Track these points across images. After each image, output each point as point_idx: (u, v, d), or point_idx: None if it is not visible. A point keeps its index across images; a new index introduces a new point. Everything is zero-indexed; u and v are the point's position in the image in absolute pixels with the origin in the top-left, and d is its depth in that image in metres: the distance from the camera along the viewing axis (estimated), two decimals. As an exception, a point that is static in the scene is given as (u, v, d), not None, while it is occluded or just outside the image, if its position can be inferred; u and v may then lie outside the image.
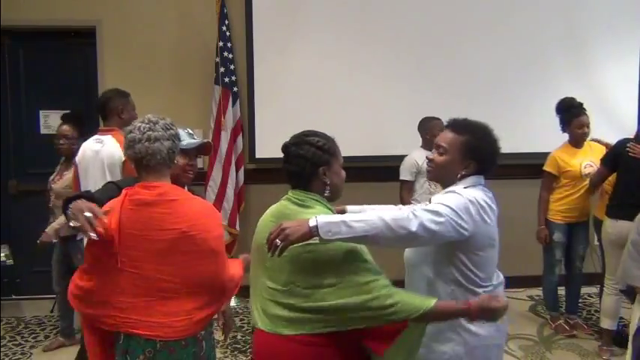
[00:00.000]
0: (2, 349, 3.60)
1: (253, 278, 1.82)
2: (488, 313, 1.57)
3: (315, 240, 1.53)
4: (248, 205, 4.44)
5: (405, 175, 3.76)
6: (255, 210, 4.44)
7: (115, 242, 1.74)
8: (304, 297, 1.61)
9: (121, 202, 1.79)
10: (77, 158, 3.06)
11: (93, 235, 1.69)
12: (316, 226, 1.50)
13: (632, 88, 4.61)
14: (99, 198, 1.85)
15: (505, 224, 3.93)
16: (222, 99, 4.20)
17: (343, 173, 1.80)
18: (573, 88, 4.32)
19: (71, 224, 1.74)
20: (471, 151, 1.81)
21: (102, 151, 2.87)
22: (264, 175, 4.41)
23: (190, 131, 2.14)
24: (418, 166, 3.67)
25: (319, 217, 1.53)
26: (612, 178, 3.46)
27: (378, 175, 4.24)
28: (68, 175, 3.46)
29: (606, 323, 3.42)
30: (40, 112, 4.40)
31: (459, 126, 1.85)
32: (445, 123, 1.94)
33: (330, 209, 1.73)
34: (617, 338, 3.43)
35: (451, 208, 1.63)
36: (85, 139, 3.07)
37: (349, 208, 2.03)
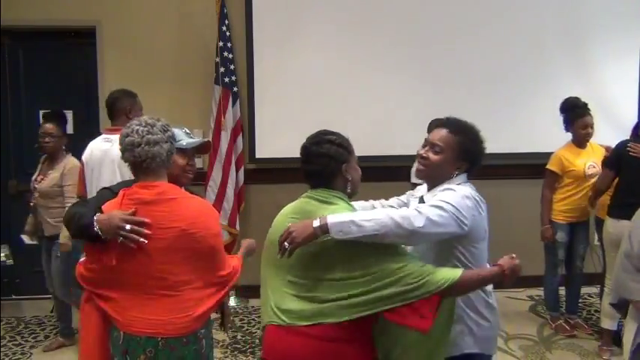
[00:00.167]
0: (2, 349, 3.60)
1: (267, 276, 1.82)
2: (516, 272, 1.63)
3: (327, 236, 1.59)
4: (248, 205, 4.44)
5: (413, 177, 3.60)
6: (255, 210, 4.45)
7: (116, 241, 1.75)
8: (336, 287, 1.63)
9: (119, 202, 1.81)
10: (84, 158, 3.08)
11: (143, 240, 1.73)
12: (320, 227, 1.57)
13: (632, 87, 4.61)
14: (94, 205, 1.86)
15: (505, 224, 3.99)
16: (222, 99, 4.20)
17: (359, 169, 1.86)
18: (573, 87, 4.32)
19: (95, 228, 1.75)
20: (465, 151, 1.85)
21: (111, 150, 2.86)
22: (264, 175, 4.42)
23: (187, 130, 2.14)
24: None
25: (329, 217, 1.58)
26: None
27: (378, 175, 4.23)
28: (53, 174, 3.44)
29: (606, 323, 3.42)
30: (40, 112, 4.38)
31: (454, 126, 1.87)
32: (438, 122, 1.94)
33: (351, 206, 1.78)
34: (617, 338, 3.43)
35: (451, 204, 1.66)
36: (92, 138, 3.09)
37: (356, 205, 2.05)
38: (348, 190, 1.80)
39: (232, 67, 4.27)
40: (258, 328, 3.88)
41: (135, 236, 1.73)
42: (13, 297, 4.41)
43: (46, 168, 3.53)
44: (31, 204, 3.54)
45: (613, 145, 3.54)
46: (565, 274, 3.89)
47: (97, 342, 1.85)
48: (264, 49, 4.29)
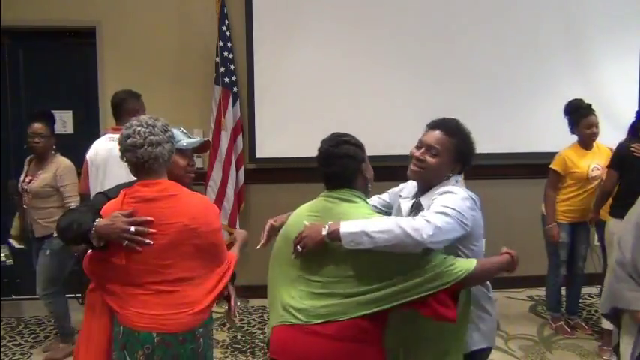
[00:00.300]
0: (2, 349, 3.60)
1: (277, 274, 1.82)
2: (518, 260, 1.77)
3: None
4: (248, 205, 4.44)
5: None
6: (255, 210, 4.45)
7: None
8: (357, 282, 1.65)
9: (120, 202, 1.82)
10: (89, 156, 3.12)
11: (149, 241, 1.76)
12: (330, 234, 1.62)
13: (632, 87, 4.61)
14: (90, 211, 1.87)
15: (505, 224, 3.99)
16: (222, 99, 4.20)
17: (371, 168, 1.90)
18: (572, 87, 4.33)
19: (95, 243, 1.77)
20: (460, 153, 1.86)
21: (116, 149, 2.87)
22: (264, 175, 4.42)
23: (184, 130, 2.15)
24: None
25: (341, 226, 1.62)
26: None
27: (378, 175, 4.22)
28: (44, 175, 3.40)
29: (606, 323, 3.40)
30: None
31: (449, 128, 1.87)
32: (432, 123, 1.93)
33: (369, 205, 1.82)
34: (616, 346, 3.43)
35: (454, 209, 1.68)
36: (92, 138, 3.12)
37: None
38: (370, 188, 1.86)
39: (232, 67, 4.27)
40: (259, 328, 3.88)
41: (140, 238, 1.74)
42: (13, 297, 4.40)
43: (35, 169, 3.47)
44: (24, 206, 3.49)
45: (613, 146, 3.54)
46: (566, 275, 3.89)
47: (101, 330, 1.87)
48: (264, 49, 4.29)
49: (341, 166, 1.77)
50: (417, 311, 1.67)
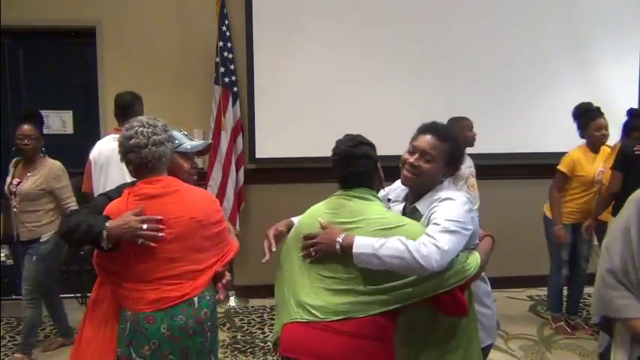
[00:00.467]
0: (2, 349, 3.60)
1: (288, 273, 1.82)
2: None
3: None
4: (248, 205, 4.44)
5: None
6: (255, 210, 4.45)
7: (128, 242, 1.79)
8: (376, 279, 1.66)
9: (125, 200, 1.85)
10: (92, 156, 3.13)
11: (162, 235, 1.79)
12: (343, 248, 1.65)
13: (632, 87, 4.61)
14: (95, 212, 1.87)
15: (505, 224, 3.99)
16: (222, 99, 4.20)
17: None
18: (572, 87, 4.34)
19: (104, 245, 1.77)
20: (453, 157, 1.86)
21: None
22: (264, 175, 4.42)
23: (185, 132, 2.15)
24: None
25: (355, 243, 1.64)
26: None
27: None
28: (34, 177, 3.32)
29: (606, 324, 3.41)
30: (40, 112, 4.39)
31: (441, 132, 1.86)
32: (423, 127, 1.92)
33: (382, 203, 1.83)
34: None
35: (458, 220, 1.68)
36: (92, 138, 3.10)
37: None
38: (384, 189, 1.91)
39: (232, 67, 4.27)
40: (259, 328, 3.88)
41: (153, 234, 1.78)
42: (13, 297, 4.40)
43: (23, 171, 3.38)
44: (15, 210, 3.38)
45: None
46: (568, 275, 3.88)
47: (105, 328, 1.88)
48: (264, 49, 4.30)
49: (360, 165, 1.79)
50: (433, 307, 1.71)
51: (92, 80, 4.36)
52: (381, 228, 1.69)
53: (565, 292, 3.95)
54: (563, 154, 3.75)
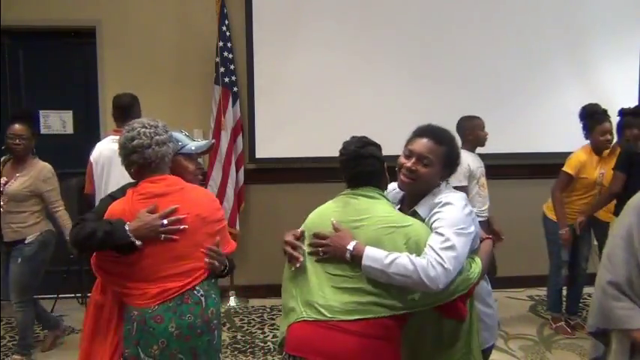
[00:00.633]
0: (2, 349, 3.59)
1: (297, 271, 1.80)
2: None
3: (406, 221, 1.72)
4: (248, 205, 4.44)
5: (460, 180, 3.32)
6: (255, 210, 4.45)
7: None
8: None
9: (130, 200, 1.85)
10: (93, 157, 3.13)
11: (184, 227, 1.82)
12: (353, 257, 1.65)
13: (632, 87, 4.61)
14: (98, 212, 1.89)
15: (505, 224, 3.97)
16: (222, 99, 4.20)
17: None
18: (573, 87, 4.33)
19: (137, 243, 1.79)
20: (450, 161, 1.86)
21: None
22: (264, 175, 4.42)
23: (187, 133, 2.15)
24: (470, 170, 3.44)
25: (365, 255, 1.63)
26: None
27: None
28: (22, 177, 3.26)
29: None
30: (40, 112, 4.40)
31: (438, 135, 1.84)
32: (418, 130, 1.91)
33: (388, 201, 1.83)
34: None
35: (460, 228, 1.67)
36: (92, 138, 3.09)
37: None
38: (389, 189, 1.93)
39: (232, 67, 4.27)
40: (259, 328, 3.88)
41: (174, 227, 1.80)
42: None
43: (12, 170, 3.30)
44: (1, 210, 3.31)
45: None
46: (568, 275, 3.88)
47: (109, 327, 1.88)
48: (264, 49, 4.30)
49: (368, 165, 1.80)
50: (438, 312, 1.72)
51: (92, 80, 4.36)
52: (386, 226, 1.69)
53: (565, 292, 3.95)
54: (563, 154, 3.75)
